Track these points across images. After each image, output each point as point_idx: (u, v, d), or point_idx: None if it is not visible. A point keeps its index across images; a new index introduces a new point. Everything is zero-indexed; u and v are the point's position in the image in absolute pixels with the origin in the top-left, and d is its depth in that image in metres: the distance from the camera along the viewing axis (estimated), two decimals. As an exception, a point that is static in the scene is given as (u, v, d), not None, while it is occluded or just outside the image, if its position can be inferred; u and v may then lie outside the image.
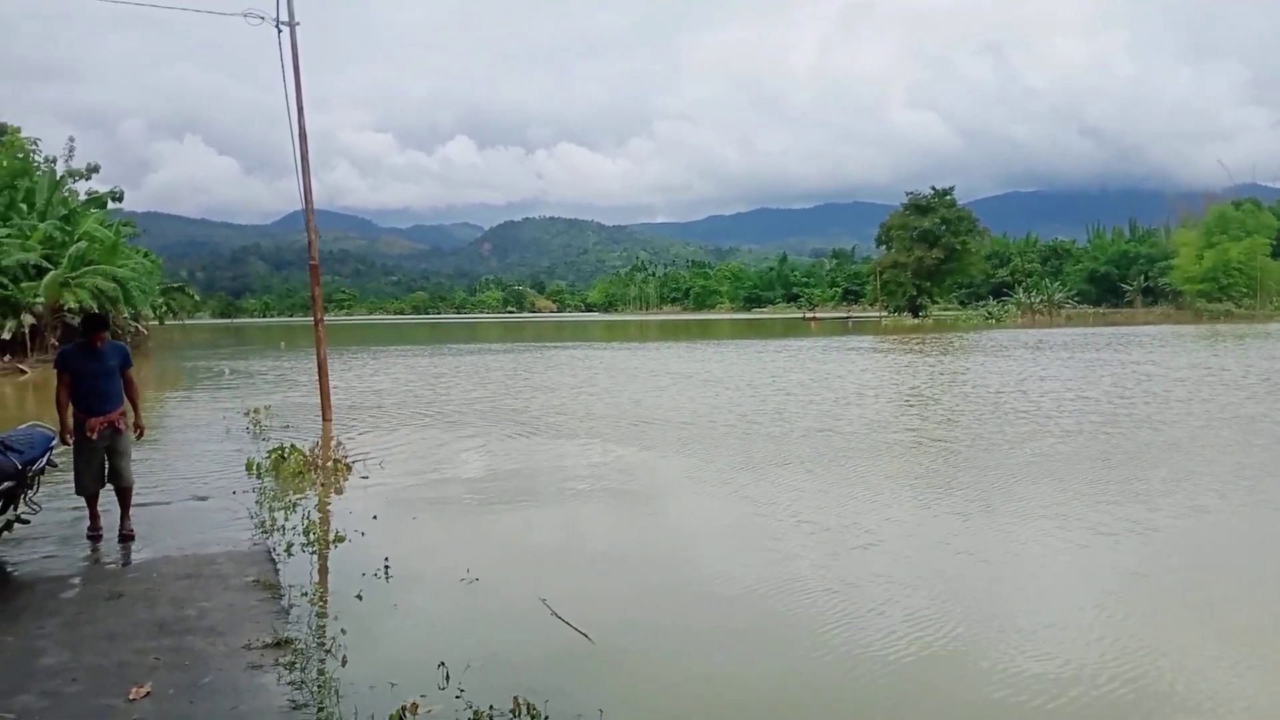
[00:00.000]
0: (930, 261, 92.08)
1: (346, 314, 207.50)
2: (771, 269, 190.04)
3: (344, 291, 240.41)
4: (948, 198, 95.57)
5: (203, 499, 9.94)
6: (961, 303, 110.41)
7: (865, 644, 5.60)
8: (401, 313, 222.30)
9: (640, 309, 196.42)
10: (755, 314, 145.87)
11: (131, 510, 8.13)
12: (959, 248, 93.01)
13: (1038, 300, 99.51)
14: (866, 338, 53.84)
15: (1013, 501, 9.62)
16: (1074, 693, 4.93)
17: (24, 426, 7.99)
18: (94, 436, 7.60)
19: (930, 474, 11.40)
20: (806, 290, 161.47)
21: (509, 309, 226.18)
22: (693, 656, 5.54)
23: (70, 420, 7.68)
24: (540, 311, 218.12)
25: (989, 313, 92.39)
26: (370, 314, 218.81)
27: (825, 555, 7.71)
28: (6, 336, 36.98)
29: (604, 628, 5.80)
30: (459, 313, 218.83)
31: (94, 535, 7.97)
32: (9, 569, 7.13)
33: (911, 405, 18.57)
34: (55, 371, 7.76)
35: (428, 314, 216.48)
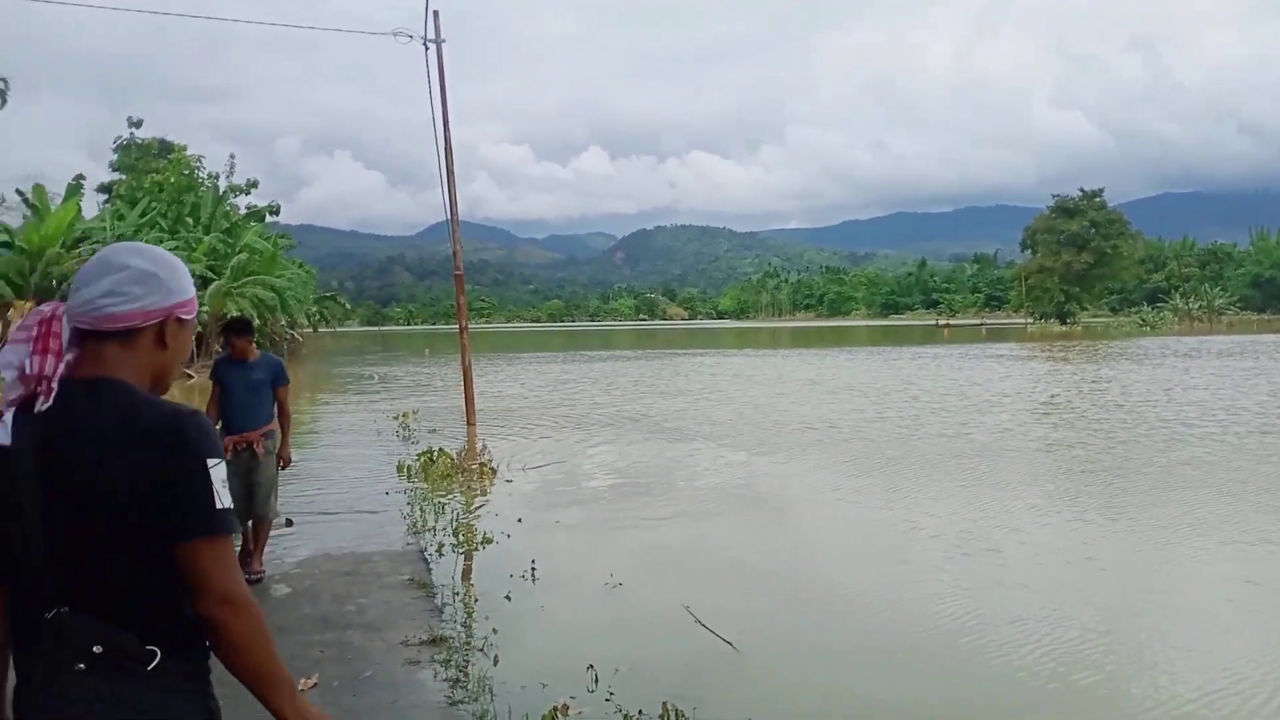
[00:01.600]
0: (1079, 266, 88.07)
1: (486, 321, 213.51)
2: (909, 274, 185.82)
3: (484, 300, 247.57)
4: (1097, 199, 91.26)
5: (358, 498, 10.38)
6: (1113, 309, 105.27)
7: (1010, 666, 5.40)
8: (538, 320, 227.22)
9: (772, 316, 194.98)
10: (892, 320, 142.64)
11: (279, 527, 7.67)
12: (1109, 251, 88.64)
13: (1196, 306, 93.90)
14: (1009, 345, 52.00)
15: (1151, 511, 9.21)
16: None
17: None
18: (228, 457, 6.69)
19: (1067, 483, 11.04)
20: (946, 296, 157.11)
21: (641, 316, 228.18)
22: (837, 668, 5.46)
23: None
24: (672, 319, 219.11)
25: (1143, 319, 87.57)
26: (508, 322, 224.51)
27: (962, 568, 7.52)
28: (177, 343, 39.55)
29: (746, 636, 5.77)
30: (593, 320, 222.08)
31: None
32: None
33: (1048, 413, 17.94)
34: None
35: (563, 322, 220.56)
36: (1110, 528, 8.81)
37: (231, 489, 2.78)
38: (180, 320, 1.80)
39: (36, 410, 1.61)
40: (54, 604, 1.58)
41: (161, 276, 1.76)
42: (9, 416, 1.64)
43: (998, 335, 69.34)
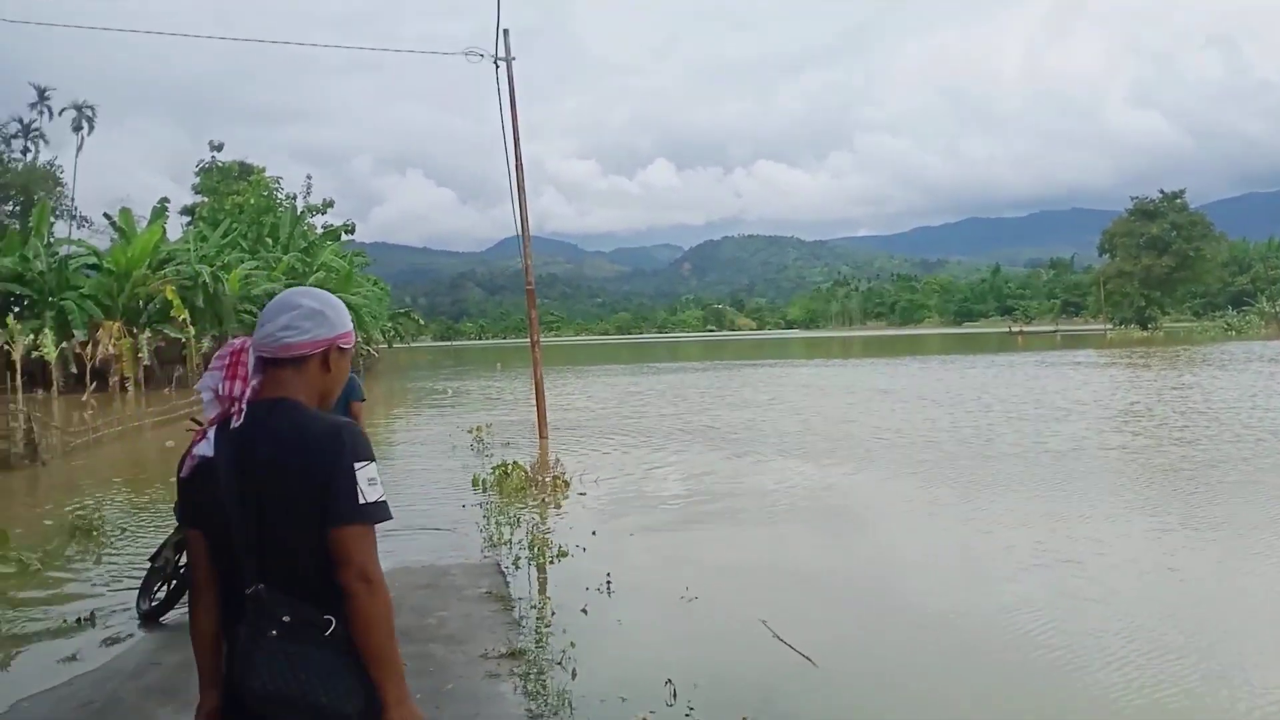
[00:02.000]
0: (1160, 270, 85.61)
1: (555, 335, 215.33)
2: (983, 281, 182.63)
3: (552, 314, 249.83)
4: (1178, 201, 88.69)
5: (435, 511, 10.55)
6: (1196, 314, 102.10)
7: (1094, 682, 5.27)
8: (606, 333, 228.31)
9: (843, 325, 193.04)
10: (966, 328, 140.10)
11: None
12: (1192, 254, 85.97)
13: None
14: (1086, 351, 50.73)
15: (1234, 521, 8.92)
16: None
17: None
18: None
19: (1147, 492, 10.81)
20: (1021, 303, 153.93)
21: (709, 328, 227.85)
22: (918, 685, 5.37)
23: None
24: (740, 329, 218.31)
25: (1228, 324, 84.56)
26: (577, 335, 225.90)
27: (1041, 580, 7.40)
28: (257, 360, 40.66)
29: (824, 651, 5.72)
30: (660, 332, 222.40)
31: None
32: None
33: (1127, 421, 17.48)
34: None
35: (630, 334, 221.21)
36: (1192, 538, 8.60)
37: None
38: (340, 349, 2.17)
39: (231, 427, 2.01)
40: (253, 582, 1.95)
41: (326, 314, 2.13)
42: (211, 433, 2.04)
43: (1075, 342, 67.68)
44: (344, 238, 57.06)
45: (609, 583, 7.10)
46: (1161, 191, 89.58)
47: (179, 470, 2.11)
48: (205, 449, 2.05)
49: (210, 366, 2.12)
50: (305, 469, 1.95)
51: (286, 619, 1.94)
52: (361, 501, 1.96)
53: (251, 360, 2.08)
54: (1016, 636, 6.06)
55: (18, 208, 54.10)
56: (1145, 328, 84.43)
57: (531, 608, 6.60)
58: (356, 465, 1.97)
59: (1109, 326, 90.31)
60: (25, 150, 64.83)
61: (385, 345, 65.04)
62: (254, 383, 2.07)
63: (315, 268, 46.96)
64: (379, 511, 2.00)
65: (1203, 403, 20.27)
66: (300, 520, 1.95)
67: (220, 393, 2.06)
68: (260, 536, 1.96)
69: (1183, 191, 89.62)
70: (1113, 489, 11.14)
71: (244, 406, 2.03)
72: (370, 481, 1.98)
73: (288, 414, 2.03)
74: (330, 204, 59.65)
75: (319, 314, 2.12)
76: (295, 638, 1.93)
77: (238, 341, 2.13)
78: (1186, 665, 5.46)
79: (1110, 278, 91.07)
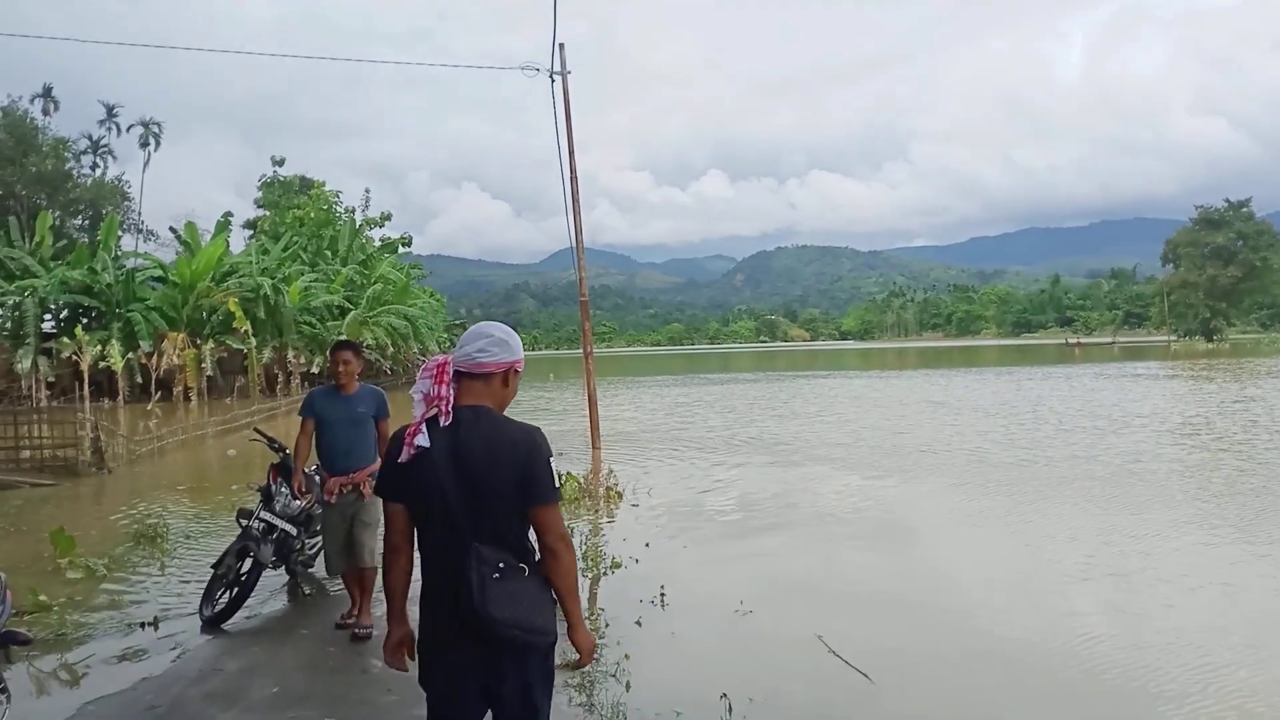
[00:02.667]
0: (1225, 280, 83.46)
1: (607, 346, 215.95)
2: (1043, 291, 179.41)
3: (605, 325, 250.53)
4: (1244, 210, 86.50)
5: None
6: (1263, 325, 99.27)
7: (1157, 697, 5.16)
8: (658, 344, 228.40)
9: (898, 336, 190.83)
10: (1024, 339, 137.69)
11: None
12: (1259, 264, 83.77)
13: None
14: (1146, 363, 49.58)
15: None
16: None
17: None
18: (332, 500, 6.30)
19: (1203, 506, 10.49)
20: (1082, 314, 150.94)
21: (761, 339, 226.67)
22: (975, 704, 5.26)
23: (303, 476, 6.73)
24: (793, 340, 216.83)
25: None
26: (629, 346, 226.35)
27: (1098, 595, 7.28)
28: (315, 370, 41.33)
29: (881, 668, 5.64)
30: (712, 343, 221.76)
31: (343, 625, 6.53)
32: (328, 585, 7.90)
33: (1189, 434, 17.04)
34: (300, 418, 6.49)
35: (682, 345, 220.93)
36: (1251, 552, 8.36)
37: (333, 536, 5.81)
38: (517, 371, 2.89)
39: (441, 425, 2.73)
40: (469, 540, 2.67)
41: (509, 342, 2.86)
42: (425, 428, 2.72)
43: (1136, 354, 66.14)
44: (401, 250, 57.78)
45: (663, 595, 7.07)
46: (1227, 200, 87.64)
47: (395, 456, 2.76)
48: (423, 440, 2.71)
49: (420, 375, 2.81)
50: (507, 462, 2.68)
51: (501, 565, 2.66)
52: (555, 486, 2.74)
53: (451, 372, 2.78)
54: (1076, 652, 5.94)
55: (87, 222, 55.71)
56: (1210, 339, 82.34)
57: (585, 619, 6.58)
58: (549, 459, 2.74)
59: (1172, 338, 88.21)
60: (94, 166, 66.93)
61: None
62: (452, 390, 2.76)
63: (373, 280, 47.63)
64: (560, 493, 2.77)
65: (1265, 416, 19.70)
66: (507, 498, 2.69)
67: (429, 394, 2.76)
68: (472, 507, 2.69)
69: (1249, 200, 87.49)
70: (1168, 503, 10.85)
71: (450, 410, 2.73)
72: (554, 472, 2.75)
73: (488, 418, 2.77)
74: (388, 217, 60.49)
75: (504, 343, 2.84)
76: (509, 577, 2.68)
77: (440, 357, 2.82)
78: (1246, 681, 5.28)
79: (1174, 288, 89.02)
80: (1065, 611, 6.92)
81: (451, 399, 2.73)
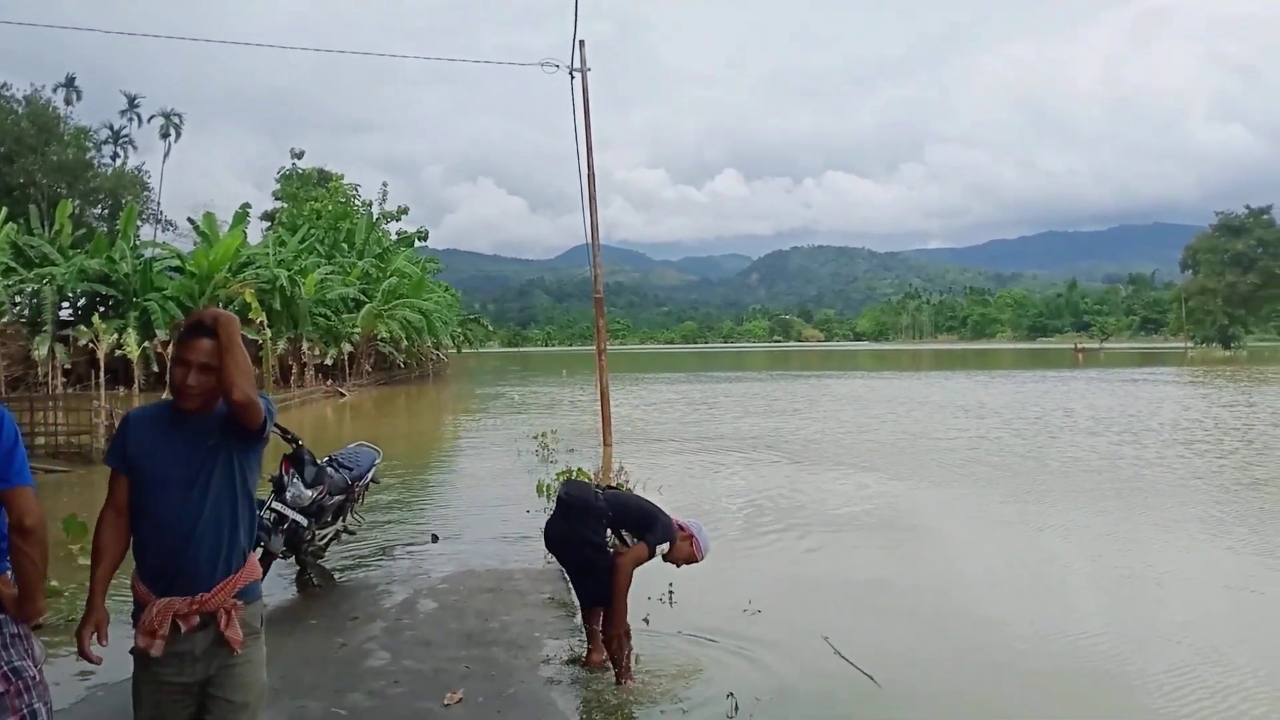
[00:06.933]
0: (1244, 287, 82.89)
1: (620, 343, 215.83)
2: (1059, 295, 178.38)
3: (619, 321, 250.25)
4: (1264, 217, 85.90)
5: (500, 515, 10.64)
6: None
7: (1166, 701, 5.16)
8: (671, 342, 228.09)
9: (912, 338, 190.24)
10: (1039, 343, 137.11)
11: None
12: (1278, 272, 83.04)
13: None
14: (1165, 369, 49.35)
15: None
16: None
17: (352, 445, 8.87)
18: (152, 649, 3.09)
19: (1212, 510, 10.65)
20: (1099, 319, 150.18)
21: (775, 338, 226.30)
22: (984, 708, 5.26)
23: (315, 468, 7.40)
24: (807, 341, 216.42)
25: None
26: (642, 343, 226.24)
27: (1105, 600, 7.39)
28: (329, 362, 41.50)
29: (887, 669, 5.63)
30: (726, 342, 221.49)
31: None
32: (337, 576, 7.94)
33: (1191, 441, 17.14)
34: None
35: (696, 343, 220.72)
36: (1257, 559, 8.32)
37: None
38: None
39: None
40: None
41: None
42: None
43: (1151, 359, 65.71)
44: (417, 244, 57.90)
45: (671, 593, 7.07)
46: (1247, 207, 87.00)
47: None
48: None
49: None
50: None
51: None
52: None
53: None
54: (1084, 657, 5.97)
55: (106, 211, 56.04)
56: (1228, 347, 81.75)
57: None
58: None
59: (1189, 345, 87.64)
60: (115, 156, 67.22)
61: (455, 350, 65.85)
62: None
63: (388, 273, 47.77)
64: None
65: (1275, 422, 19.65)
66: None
67: None
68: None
69: (1270, 207, 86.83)
70: (1175, 507, 10.98)
71: None
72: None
73: None
74: (405, 211, 60.66)
75: None
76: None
77: None
78: (1258, 686, 5.25)
79: (1192, 295, 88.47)
80: (1073, 614, 6.98)
81: None
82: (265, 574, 6.88)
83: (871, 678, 5.50)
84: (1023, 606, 7.19)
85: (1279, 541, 9.30)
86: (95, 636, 2.78)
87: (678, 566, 5.72)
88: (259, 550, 6.88)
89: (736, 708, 4.94)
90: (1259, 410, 23.49)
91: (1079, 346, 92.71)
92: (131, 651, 2.90)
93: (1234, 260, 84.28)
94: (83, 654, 2.74)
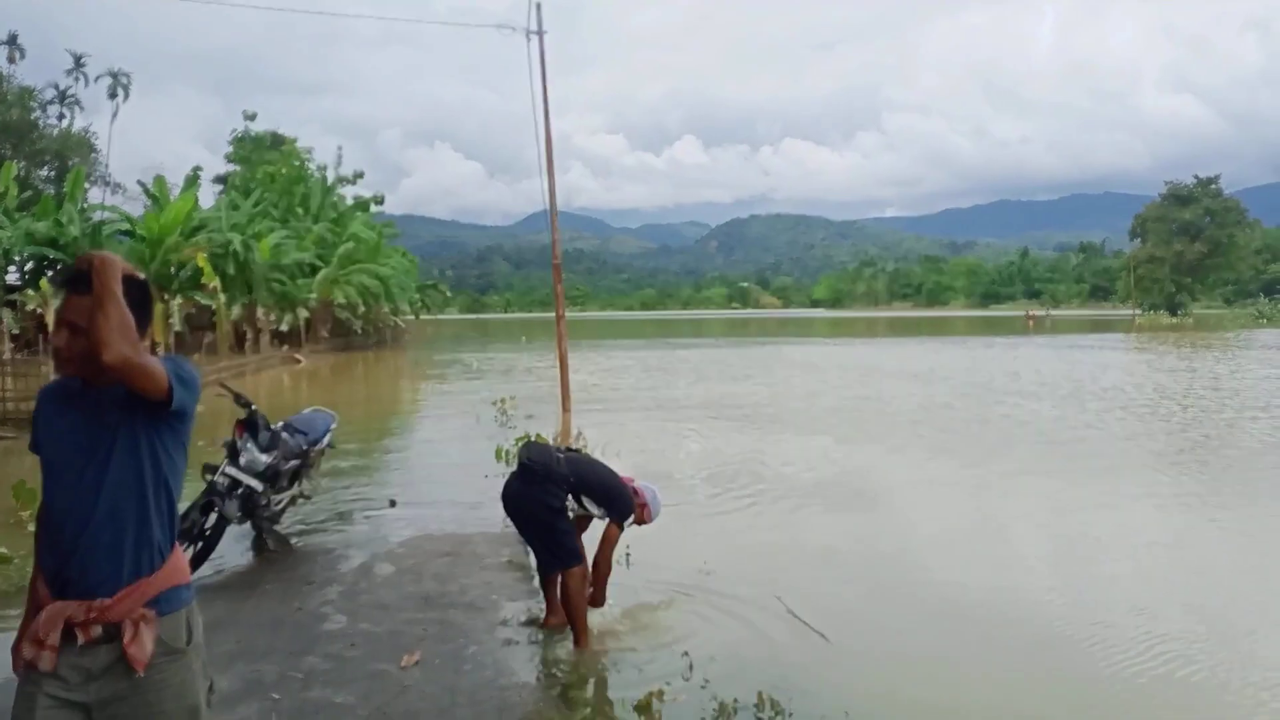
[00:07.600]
0: (1191, 256, 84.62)
1: (580, 310, 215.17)
2: (1011, 263, 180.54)
3: (578, 289, 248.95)
4: (1212, 187, 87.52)
5: (458, 482, 10.67)
6: (1227, 301, 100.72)
7: (1107, 662, 5.34)
8: (630, 309, 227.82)
9: (869, 305, 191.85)
10: (992, 310, 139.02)
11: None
12: (1225, 241, 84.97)
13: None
14: (1113, 335, 50.35)
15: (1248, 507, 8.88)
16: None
17: (307, 410, 8.82)
18: (41, 662, 2.68)
19: (1155, 475, 10.90)
20: (1050, 286, 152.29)
21: (734, 305, 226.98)
22: (930, 662, 5.42)
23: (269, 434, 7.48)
24: (765, 308, 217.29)
25: (1259, 311, 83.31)
26: (602, 310, 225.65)
27: (1053, 560, 7.68)
28: (285, 329, 40.98)
29: (839, 628, 5.77)
30: (685, 309, 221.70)
31: None
32: (294, 541, 7.93)
33: (1141, 407, 17.50)
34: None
35: (655, 311, 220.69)
36: (1197, 516, 8.69)
37: None
38: None
39: None
40: None
41: None
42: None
43: (1102, 326, 66.93)
44: (373, 209, 57.04)
45: (628, 554, 7.14)
46: (1196, 176, 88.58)
47: None
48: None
49: None
50: None
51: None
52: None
53: None
54: (1030, 615, 6.15)
55: (53, 173, 54.50)
56: (1175, 314, 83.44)
57: (550, 578, 6.65)
58: None
59: (1137, 312, 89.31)
60: (61, 116, 65.24)
61: (413, 317, 65.28)
62: None
63: (344, 238, 47.12)
64: None
65: (1215, 385, 20.21)
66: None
67: None
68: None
69: (1217, 177, 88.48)
70: (1118, 470, 11.30)
71: None
72: None
73: None
74: (360, 175, 59.65)
75: None
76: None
77: None
78: (1203, 645, 5.46)
79: (1141, 263, 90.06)
80: (1020, 572, 7.22)
81: None
82: (219, 539, 6.86)
83: (823, 635, 5.64)
84: (969, 565, 7.40)
85: (1208, 500, 9.69)
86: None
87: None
88: (213, 515, 6.85)
89: (691, 666, 5.04)
90: (1199, 375, 24.13)
91: (1030, 314, 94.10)
92: (16, 669, 2.41)
93: (1182, 229, 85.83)
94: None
